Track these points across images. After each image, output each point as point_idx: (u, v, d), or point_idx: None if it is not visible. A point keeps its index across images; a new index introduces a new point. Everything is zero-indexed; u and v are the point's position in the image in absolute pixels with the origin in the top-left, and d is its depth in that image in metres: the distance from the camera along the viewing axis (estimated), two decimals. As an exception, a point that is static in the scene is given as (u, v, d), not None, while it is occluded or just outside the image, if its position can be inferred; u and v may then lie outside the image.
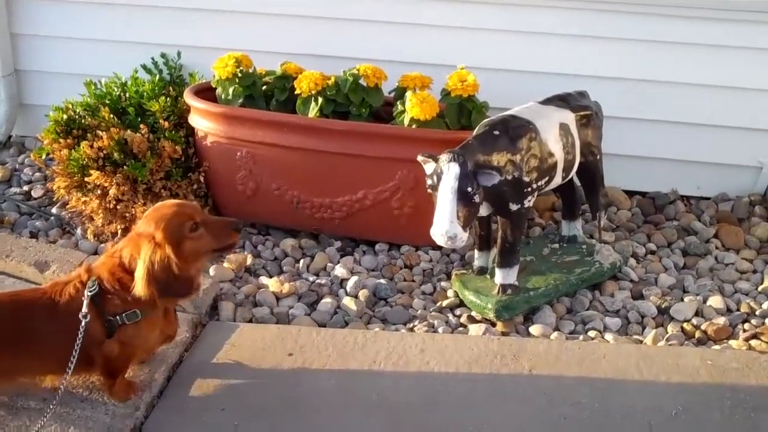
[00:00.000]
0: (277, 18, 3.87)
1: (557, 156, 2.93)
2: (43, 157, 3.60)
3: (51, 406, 2.24)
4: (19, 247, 3.22)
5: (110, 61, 3.92)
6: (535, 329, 2.95)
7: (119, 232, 3.36)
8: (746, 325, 3.01)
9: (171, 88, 3.69)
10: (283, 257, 3.41)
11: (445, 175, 2.61)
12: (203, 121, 3.42)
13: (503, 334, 2.92)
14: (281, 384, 2.58)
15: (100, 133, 3.36)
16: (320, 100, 3.34)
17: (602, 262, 3.21)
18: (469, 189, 2.61)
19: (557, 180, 3.00)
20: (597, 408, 2.50)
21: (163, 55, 4.00)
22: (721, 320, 3.01)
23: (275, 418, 2.44)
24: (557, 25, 3.70)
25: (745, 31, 3.60)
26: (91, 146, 3.31)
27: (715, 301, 3.14)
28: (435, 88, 3.39)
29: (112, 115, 3.47)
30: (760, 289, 3.26)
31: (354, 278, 3.20)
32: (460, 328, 2.98)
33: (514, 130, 2.80)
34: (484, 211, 2.82)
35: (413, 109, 3.18)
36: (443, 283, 3.24)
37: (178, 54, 4.00)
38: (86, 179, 3.33)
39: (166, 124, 3.44)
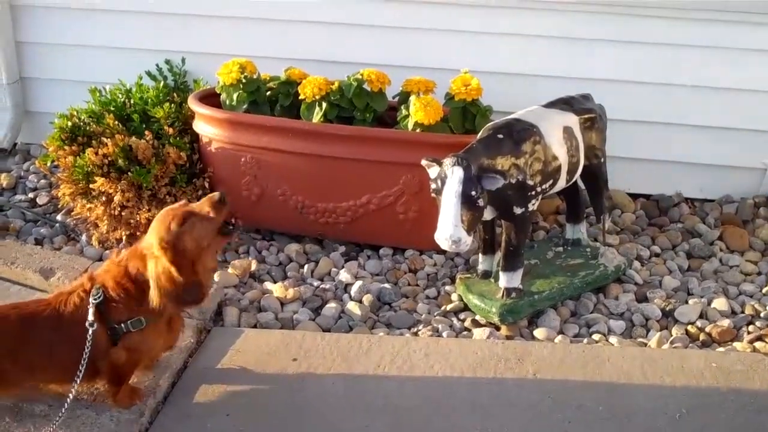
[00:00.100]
0: (280, 24, 3.88)
1: (561, 159, 2.93)
2: (48, 164, 3.61)
3: (59, 415, 2.24)
4: (24, 254, 3.23)
5: (115, 68, 3.93)
6: (539, 333, 2.96)
7: (124, 238, 3.37)
8: (751, 327, 3.01)
9: (175, 95, 3.70)
10: (288, 262, 3.41)
11: (449, 179, 2.61)
12: (208, 127, 3.42)
13: (507, 337, 2.92)
14: (286, 389, 2.59)
15: (104, 139, 3.37)
16: (324, 105, 3.35)
17: (606, 265, 3.21)
18: (473, 193, 2.61)
19: (561, 183, 3.00)
20: (602, 411, 2.50)
21: (167, 62, 4.02)
22: (726, 322, 3.01)
23: (280, 424, 2.45)
24: (561, 29, 3.70)
25: (747, 32, 3.60)
26: (96, 153, 3.32)
27: (720, 303, 3.14)
28: (439, 93, 3.39)
29: (116, 122, 3.48)
30: (764, 291, 3.25)
31: (358, 283, 3.20)
32: (465, 332, 2.98)
33: (518, 134, 2.80)
34: (488, 214, 2.82)
35: (417, 113, 3.19)
36: (447, 287, 3.24)
37: (183, 60, 4.02)
38: (91, 186, 3.34)
39: (171, 130, 3.44)
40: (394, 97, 3.49)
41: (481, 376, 2.65)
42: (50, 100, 4.19)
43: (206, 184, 3.49)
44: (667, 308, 3.10)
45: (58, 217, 3.66)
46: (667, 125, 3.84)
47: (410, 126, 3.25)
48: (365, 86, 3.39)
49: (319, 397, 2.55)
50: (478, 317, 3.03)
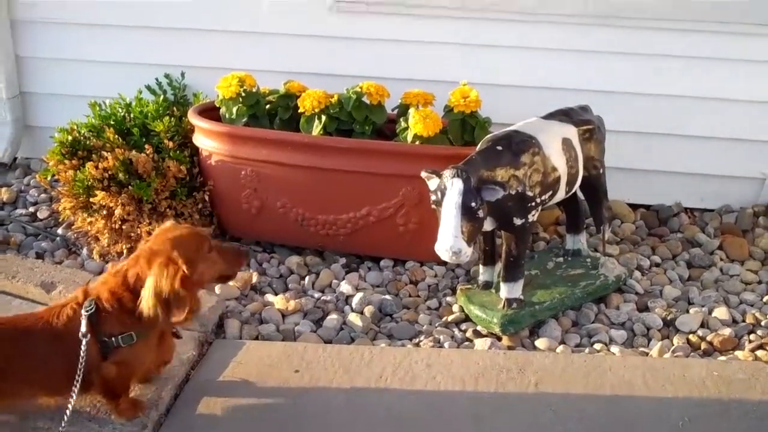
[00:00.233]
0: (279, 37, 3.90)
1: (560, 170, 2.94)
2: (49, 178, 3.61)
3: (60, 429, 2.23)
4: (24, 268, 3.23)
5: (114, 82, 3.93)
6: (540, 343, 2.96)
7: (125, 251, 3.37)
8: (752, 336, 3.01)
9: (175, 109, 3.70)
10: (289, 274, 3.41)
11: (449, 190, 2.62)
12: (207, 140, 3.43)
13: (509, 348, 2.92)
14: (288, 401, 2.59)
15: (105, 153, 3.38)
16: (324, 118, 3.36)
17: (607, 275, 3.22)
18: (473, 204, 2.62)
19: (561, 194, 3.01)
20: (603, 421, 2.50)
21: (167, 76, 4.03)
22: (727, 331, 3.02)
23: (283, 435, 2.45)
24: (560, 41, 3.72)
25: (746, 43, 3.62)
26: (96, 167, 3.32)
27: (721, 312, 3.14)
28: (438, 105, 3.41)
29: (116, 136, 3.48)
30: (765, 299, 3.26)
31: (359, 294, 3.21)
32: (466, 343, 2.98)
33: (517, 145, 2.81)
34: (488, 225, 2.83)
35: (416, 125, 3.20)
36: (448, 298, 3.25)
37: (182, 74, 4.03)
38: (91, 200, 3.35)
39: (171, 144, 3.45)
40: (393, 110, 3.50)
41: (482, 387, 2.64)
42: (50, 114, 4.20)
43: (206, 198, 3.50)
44: (668, 317, 3.10)
45: (59, 231, 3.66)
46: (666, 136, 3.85)
47: (409, 138, 3.26)
48: (364, 99, 3.40)
49: (321, 409, 2.55)
50: (479, 328, 3.03)
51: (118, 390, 2.38)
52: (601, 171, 3.19)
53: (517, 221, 2.83)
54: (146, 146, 3.41)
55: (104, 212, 3.36)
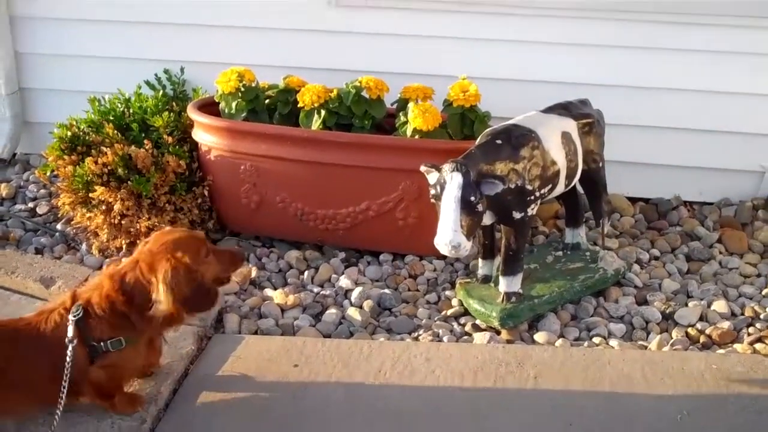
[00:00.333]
0: (278, 32, 3.90)
1: (560, 164, 2.94)
2: (48, 173, 3.62)
3: (54, 424, 2.21)
4: (24, 264, 3.24)
5: (114, 77, 3.94)
6: (539, 336, 2.96)
7: (124, 247, 3.38)
8: (751, 329, 3.01)
9: (174, 104, 3.70)
10: (288, 269, 3.42)
11: (448, 184, 2.62)
12: (207, 135, 3.43)
13: (508, 341, 2.93)
14: (287, 395, 2.59)
15: (104, 149, 3.38)
16: (323, 112, 3.36)
17: (606, 269, 3.22)
18: (473, 198, 2.61)
19: (560, 188, 3.01)
20: (602, 414, 2.50)
21: (166, 71, 4.03)
22: (726, 324, 3.02)
23: (282, 430, 2.45)
24: (558, 35, 3.71)
25: (746, 36, 3.61)
26: (96, 162, 3.32)
27: (720, 305, 3.14)
28: (437, 99, 3.41)
29: (116, 131, 3.48)
30: (764, 292, 3.26)
31: (358, 289, 3.21)
32: (465, 337, 2.98)
33: (516, 139, 2.81)
34: (487, 219, 2.83)
35: (416, 119, 3.20)
36: (448, 292, 3.25)
37: (182, 69, 4.03)
38: (91, 195, 3.35)
39: (170, 139, 3.45)
40: (392, 104, 3.50)
41: (481, 380, 2.65)
42: (49, 110, 4.20)
43: (205, 192, 3.50)
44: (667, 311, 3.10)
45: (58, 227, 3.67)
46: (665, 129, 3.85)
47: (409, 132, 3.26)
48: (364, 93, 3.40)
49: (320, 403, 2.55)
50: (478, 322, 3.03)
51: (110, 392, 2.38)
52: (601, 165, 3.19)
53: (517, 215, 2.83)
54: (145, 141, 3.42)
55: (103, 207, 3.36)
